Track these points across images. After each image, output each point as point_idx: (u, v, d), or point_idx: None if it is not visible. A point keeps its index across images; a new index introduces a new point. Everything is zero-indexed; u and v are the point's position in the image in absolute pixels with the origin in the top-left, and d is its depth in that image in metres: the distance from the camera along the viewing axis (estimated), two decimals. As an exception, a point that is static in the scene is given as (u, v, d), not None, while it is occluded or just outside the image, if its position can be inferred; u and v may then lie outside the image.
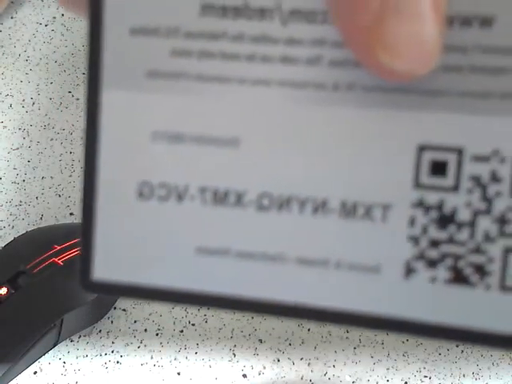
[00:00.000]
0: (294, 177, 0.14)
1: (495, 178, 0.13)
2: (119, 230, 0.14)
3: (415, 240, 0.13)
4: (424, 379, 0.32)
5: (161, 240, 0.14)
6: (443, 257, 0.13)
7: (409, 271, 0.13)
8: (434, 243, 0.13)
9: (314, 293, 0.14)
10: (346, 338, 0.33)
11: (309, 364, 0.33)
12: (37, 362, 0.32)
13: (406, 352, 0.33)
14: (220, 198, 0.14)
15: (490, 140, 0.13)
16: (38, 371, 0.32)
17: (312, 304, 0.14)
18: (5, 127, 0.42)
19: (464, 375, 0.32)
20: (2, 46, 0.46)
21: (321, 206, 0.13)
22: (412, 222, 0.13)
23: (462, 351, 0.33)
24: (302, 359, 0.33)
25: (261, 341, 0.33)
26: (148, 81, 0.14)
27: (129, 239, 0.14)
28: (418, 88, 0.13)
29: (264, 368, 0.33)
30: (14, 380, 0.31)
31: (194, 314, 0.34)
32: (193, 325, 0.34)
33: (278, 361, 0.33)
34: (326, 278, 0.14)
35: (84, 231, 0.14)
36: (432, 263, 0.13)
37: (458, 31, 0.13)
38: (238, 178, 0.14)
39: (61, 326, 0.32)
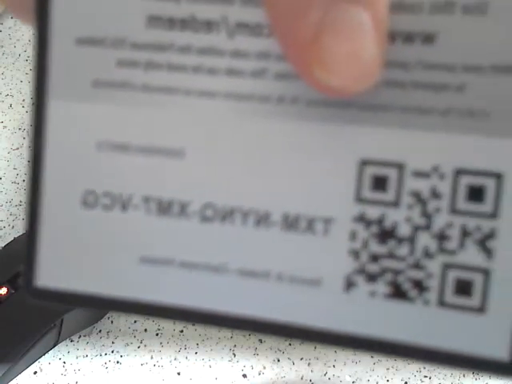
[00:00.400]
0: (237, 189, 0.14)
1: (435, 194, 0.13)
2: (64, 237, 0.14)
3: (356, 254, 0.13)
4: (424, 379, 0.32)
5: (105, 248, 0.14)
6: (383, 271, 0.13)
7: (349, 285, 0.13)
8: (374, 258, 0.13)
9: (256, 304, 0.14)
10: (346, 337, 0.33)
11: (309, 364, 0.33)
12: (37, 362, 0.32)
13: (406, 352, 0.33)
14: (164, 208, 0.14)
15: (430, 156, 0.13)
16: (38, 371, 0.32)
17: (253, 315, 0.14)
18: (5, 127, 0.42)
19: (464, 375, 0.32)
20: (2, 46, 0.46)
21: (263, 219, 0.13)
22: (353, 236, 0.13)
23: (462, 351, 0.33)
24: (302, 359, 0.33)
25: (261, 341, 0.33)
26: (94, 91, 0.14)
27: (73, 247, 0.14)
28: (361, 102, 0.13)
29: (264, 368, 0.33)
30: (14, 380, 0.31)
31: (194, 313, 0.34)
32: (193, 325, 0.34)
33: (278, 361, 0.33)
34: (267, 290, 0.14)
35: (29, 238, 0.15)
36: (372, 277, 0.13)
37: (400, 47, 0.12)
38: (183, 189, 0.14)
39: (61, 326, 0.32)
